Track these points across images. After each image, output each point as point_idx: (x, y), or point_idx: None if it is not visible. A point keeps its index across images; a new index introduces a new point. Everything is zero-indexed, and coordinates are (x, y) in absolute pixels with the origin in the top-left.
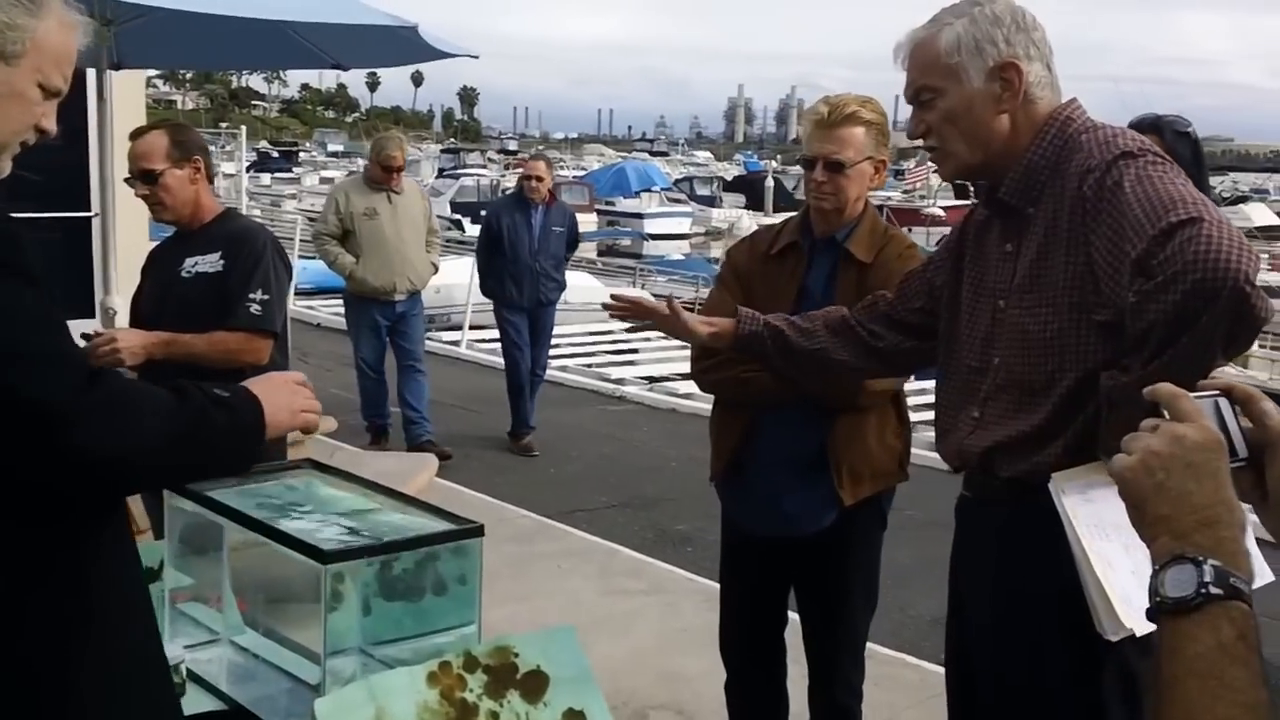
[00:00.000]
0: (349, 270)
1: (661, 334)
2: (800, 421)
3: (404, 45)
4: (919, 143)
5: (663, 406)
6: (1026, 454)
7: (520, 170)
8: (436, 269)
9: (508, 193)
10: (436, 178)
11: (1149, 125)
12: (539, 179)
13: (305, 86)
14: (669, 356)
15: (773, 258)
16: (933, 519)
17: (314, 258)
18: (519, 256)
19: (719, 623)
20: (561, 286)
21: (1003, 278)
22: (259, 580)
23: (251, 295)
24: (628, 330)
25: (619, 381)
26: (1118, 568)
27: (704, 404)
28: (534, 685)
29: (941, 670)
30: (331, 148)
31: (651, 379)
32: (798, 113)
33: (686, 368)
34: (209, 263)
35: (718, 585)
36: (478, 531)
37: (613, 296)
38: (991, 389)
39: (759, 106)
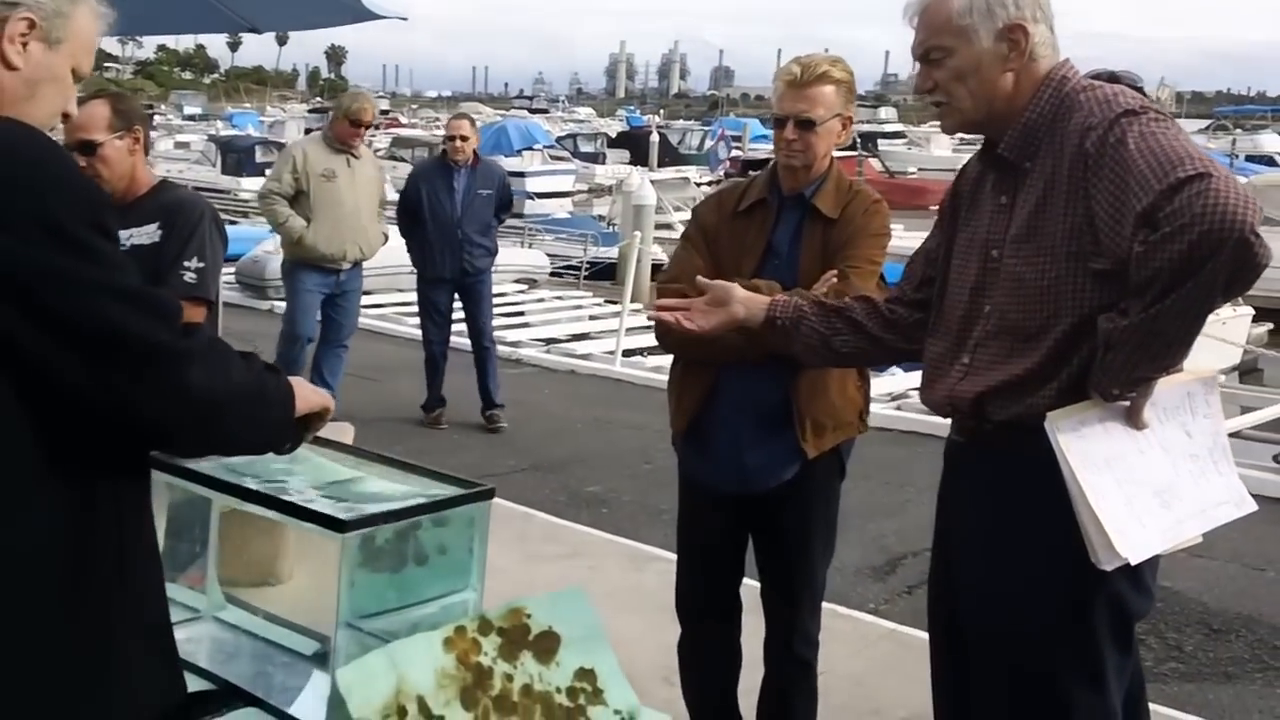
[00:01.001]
0: (298, 235)
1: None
2: (763, 376)
3: (326, 6)
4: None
5: (561, 368)
6: (1020, 397)
7: (393, 131)
8: (387, 238)
9: (429, 157)
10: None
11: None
12: (463, 138)
13: (162, 47)
14: (558, 319)
15: (740, 215)
16: (848, 470)
17: None
18: (440, 224)
19: (675, 581)
20: (490, 253)
21: (997, 229)
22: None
23: (186, 263)
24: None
25: (515, 344)
26: (1111, 500)
27: (602, 365)
28: (546, 646)
29: (874, 619)
30: (189, 110)
31: (548, 341)
32: (680, 67)
33: (578, 328)
34: (145, 234)
35: (639, 545)
36: (489, 494)
37: (658, 307)
38: (982, 335)
39: (640, 62)
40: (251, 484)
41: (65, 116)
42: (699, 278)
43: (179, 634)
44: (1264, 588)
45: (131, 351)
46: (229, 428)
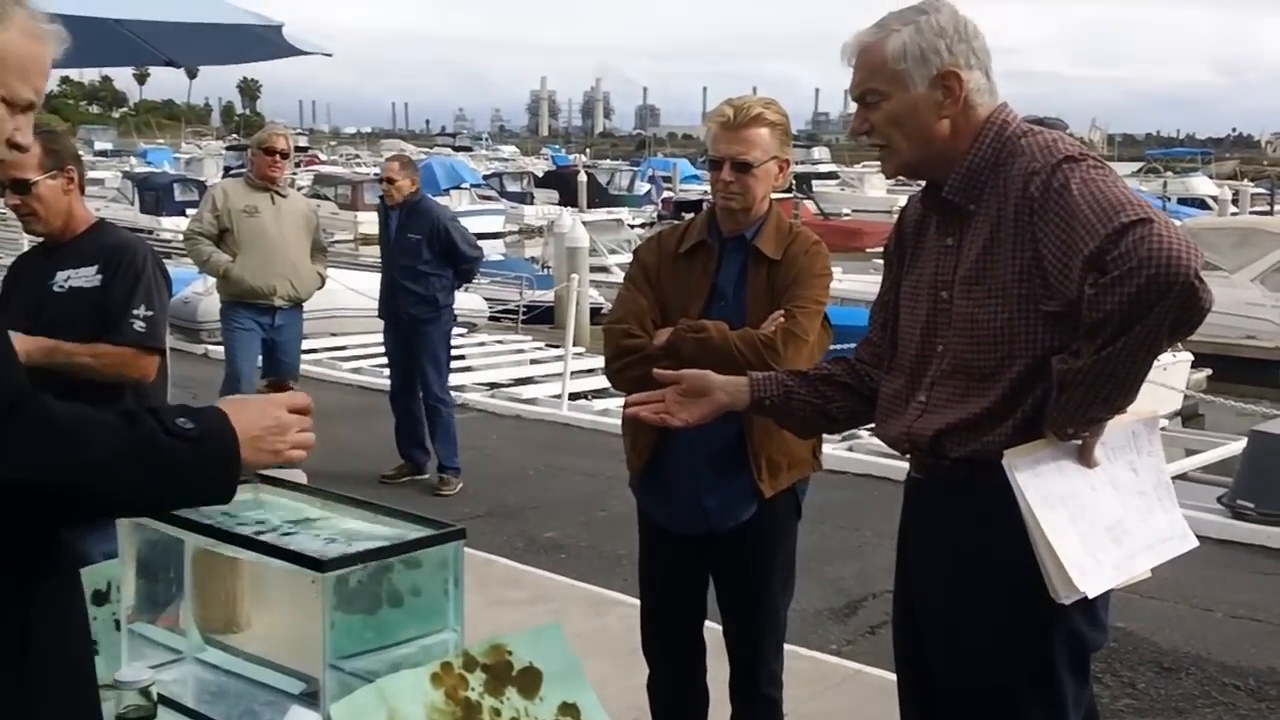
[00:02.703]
0: (223, 269)
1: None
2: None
3: (247, 41)
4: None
5: (507, 413)
6: (977, 435)
7: (314, 168)
8: (323, 281)
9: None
10: (223, 177)
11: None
12: (389, 180)
13: (65, 80)
14: (499, 363)
15: (681, 257)
16: (803, 514)
17: None
18: (383, 264)
19: (640, 621)
20: (424, 300)
21: (945, 270)
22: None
23: (135, 311)
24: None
25: (459, 389)
26: (1067, 536)
27: (549, 409)
28: (529, 682)
29: (837, 660)
30: (99, 146)
31: (491, 385)
32: (603, 106)
33: (520, 373)
34: (84, 277)
35: (601, 590)
36: (460, 534)
37: (633, 403)
38: (938, 375)
39: (563, 99)
40: (221, 525)
41: (15, 147)
42: (657, 370)
43: (165, 675)
44: (1212, 628)
45: None
46: (90, 499)
